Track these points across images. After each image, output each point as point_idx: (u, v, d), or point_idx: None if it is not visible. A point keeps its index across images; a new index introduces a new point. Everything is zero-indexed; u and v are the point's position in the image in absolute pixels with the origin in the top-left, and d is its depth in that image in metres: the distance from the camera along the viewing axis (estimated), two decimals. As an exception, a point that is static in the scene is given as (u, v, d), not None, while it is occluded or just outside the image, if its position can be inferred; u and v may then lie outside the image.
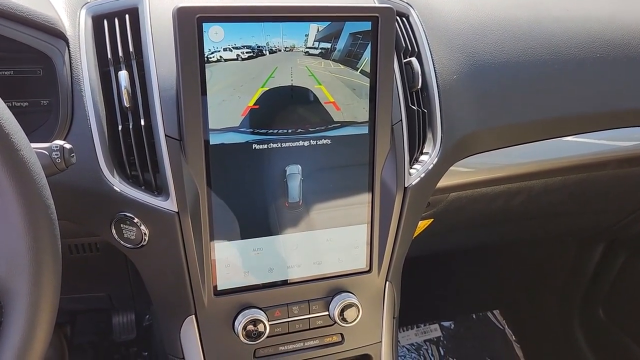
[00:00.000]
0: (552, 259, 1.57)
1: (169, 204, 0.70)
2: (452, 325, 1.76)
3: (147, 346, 1.51)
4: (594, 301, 1.51)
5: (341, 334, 0.83)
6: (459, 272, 1.76)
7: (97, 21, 0.75)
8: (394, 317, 0.87)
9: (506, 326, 1.76)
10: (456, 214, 1.05)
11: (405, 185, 0.79)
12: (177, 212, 0.70)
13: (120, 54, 0.72)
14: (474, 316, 1.80)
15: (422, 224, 1.02)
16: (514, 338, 1.73)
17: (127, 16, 0.74)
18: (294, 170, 0.75)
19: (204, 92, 0.67)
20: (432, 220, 1.03)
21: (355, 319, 0.80)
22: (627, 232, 1.37)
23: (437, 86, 0.86)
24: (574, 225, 1.32)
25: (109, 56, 0.72)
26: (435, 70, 0.87)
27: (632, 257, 1.42)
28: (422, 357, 1.66)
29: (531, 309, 1.70)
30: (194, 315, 0.76)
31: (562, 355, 1.60)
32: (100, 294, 1.03)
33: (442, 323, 1.75)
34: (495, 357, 1.70)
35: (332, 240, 0.80)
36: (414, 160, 0.83)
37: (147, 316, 1.51)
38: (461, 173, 0.95)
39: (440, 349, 1.69)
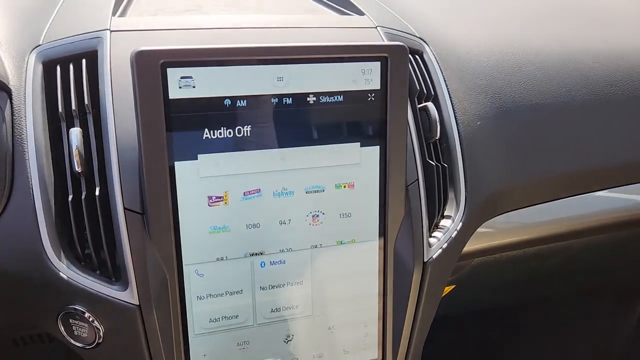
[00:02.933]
0: (585, 318, 1.40)
1: (128, 295, 0.56)
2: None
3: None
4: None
5: None
6: (471, 335, 1.59)
7: (48, 68, 0.62)
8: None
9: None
10: (481, 279, 0.90)
11: (425, 260, 0.65)
12: (139, 306, 0.56)
13: (74, 106, 0.59)
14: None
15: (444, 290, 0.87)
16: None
17: (83, 61, 0.61)
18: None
19: (171, 157, 0.54)
20: (453, 287, 0.88)
21: None
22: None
23: (459, 135, 0.72)
24: (615, 280, 1.17)
25: (60, 109, 0.59)
26: (455, 116, 0.73)
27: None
28: None
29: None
30: None
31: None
32: None
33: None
34: None
35: (336, 328, 0.65)
36: (433, 226, 0.68)
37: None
38: (487, 235, 0.80)
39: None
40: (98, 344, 0.57)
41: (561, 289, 1.15)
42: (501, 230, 0.80)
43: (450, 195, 0.70)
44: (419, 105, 0.71)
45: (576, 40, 0.87)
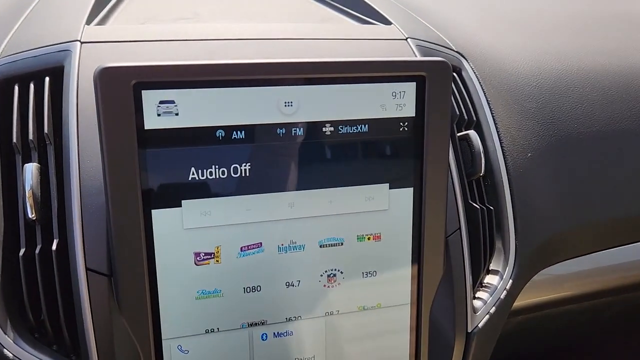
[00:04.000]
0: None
1: (87, 384, 0.43)
2: None
3: None
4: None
5: None
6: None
7: (4, 87, 0.50)
8: None
9: None
10: (524, 336, 0.76)
11: (469, 330, 0.52)
12: (103, 395, 0.43)
13: (31, 136, 0.47)
14: None
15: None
16: None
17: (46, 79, 0.49)
18: (295, 314, 0.48)
19: (147, 203, 0.42)
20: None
21: None
22: None
23: (507, 170, 0.59)
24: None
25: (14, 139, 0.47)
26: (502, 146, 0.60)
27: None
28: None
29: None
30: None
31: None
32: None
33: None
34: None
35: (355, 413, 0.52)
36: (477, 285, 0.55)
37: None
38: (538, 288, 0.66)
39: None
40: None
41: (614, 343, 1.01)
42: (555, 282, 0.66)
43: (498, 244, 0.57)
44: (459, 134, 0.58)
45: (636, 53, 0.74)
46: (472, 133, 0.57)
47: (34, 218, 0.45)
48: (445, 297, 0.51)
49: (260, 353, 0.48)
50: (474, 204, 0.55)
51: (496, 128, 0.61)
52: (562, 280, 0.68)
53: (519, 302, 0.64)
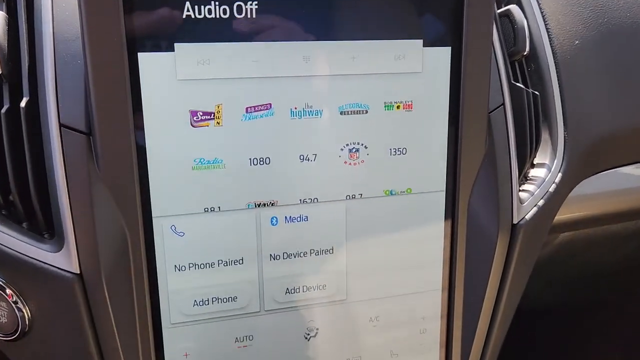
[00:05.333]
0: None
1: (63, 259, 0.36)
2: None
3: None
4: None
5: None
6: (531, 339, 1.36)
7: None
8: None
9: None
10: (563, 264, 0.68)
11: (515, 222, 0.44)
12: (80, 275, 0.36)
13: (-1, -19, 0.40)
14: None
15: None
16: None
17: None
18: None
19: (132, 45, 0.34)
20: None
21: None
22: None
23: (553, 54, 0.51)
24: None
25: (-21, -14, 0.40)
26: (547, 28, 0.52)
27: None
28: None
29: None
30: None
31: None
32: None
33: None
34: None
35: (380, 320, 0.44)
36: (522, 176, 0.48)
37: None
38: (582, 200, 0.58)
39: None
40: (23, 333, 0.38)
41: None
42: (602, 194, 0.58)
43: (544, 135, 0.49)
44: (499, 11, 0.50)
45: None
46: (514, 8, 0.49)
47: (1, 73, 0.38)
48: (487, 185, 0.43)
49: (269, 240, 0.40)
50: (518, 85, 0.47)
51: (540, 9, 0.53)
52: (604, 195, 0.60)
53: (560, 216, 0.56)
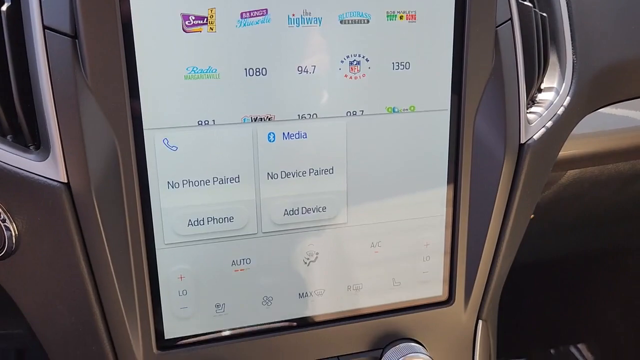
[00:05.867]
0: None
1: (50, 168, 0.34)
2: (526, 364, 1.36)
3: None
4: None
5: (398, 418, 0.46)
6: (530, 288, 1.36)
7: None
8: (488, 384, 0.50)
9: (595, 364, 1.35)
10: (569, 205, 0.67)
11: (522, 141, 0.42)
12: (67, 184, 0.34)
13: None
14: (553, 351, 1.39)
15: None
16: (608, 381, 1.33)
17: None
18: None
19: None
20: (532, 216, 0.65)
21: (425, 392, 0.43)
22: None
23: (562, -25, 0.49)
24: None
25: None
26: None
27: None
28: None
29: (631, 341, 1.29)
30: (116, 389, 0.40)
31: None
32: (16, 331, 0.68)
33: (512, 360, 1.35)
34: (584, 406, 1.29)
35: (382, 246, 0.43)
36: (529, 99, 0.46)
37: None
38: (589, 137, 0.57)
39: (511, 395, 1.30)
40: (10, 252, 0.36)
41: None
42: (611, 130, 0.57)
43: (552, 58, 0.48)
44: None
45: None
46: None
47: (-21, -23, 0.35)
48: (494, 103, 0.41)
49: (267, 157, 0.39)
50: (526, 3, 0.45)
51: None
52: (611, 132, 0.58)
53: (567, 152, 0.55)
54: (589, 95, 0.49)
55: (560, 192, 0.61)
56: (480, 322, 0.47)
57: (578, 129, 0.52)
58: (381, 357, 0.44)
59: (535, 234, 0.81)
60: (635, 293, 1.27)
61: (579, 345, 1.37)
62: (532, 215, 0.67)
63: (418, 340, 0.45)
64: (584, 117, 0.50)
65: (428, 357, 0.43)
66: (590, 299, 1.34)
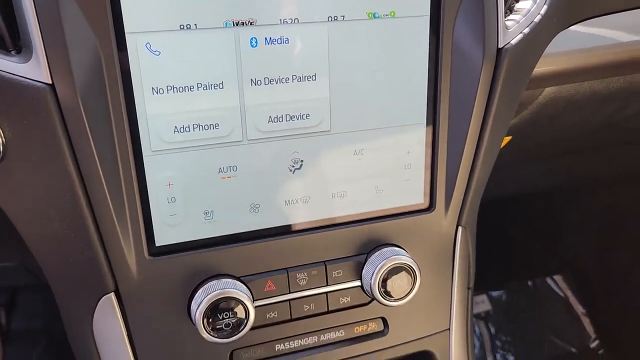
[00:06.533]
0: (634, 203, 1.21)
1: (33, 69, 0.34)
2: (504, 296, 1.41)
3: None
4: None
5: (383, 319, 0.48)
6: (510, 224, 1.40)
7: None
8: (468, 288, 0.52)
9: (570, 294, 1.41)
10: (543, 128, 0.69)
11: (500, 46, 0.43)
12: (52, 85, 0.34)
13: None
14: (530, 283, 1.45)
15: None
16: (582, 309, 1.39)
17: None
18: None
19: None
20: (510, 138, 0.67)
21: (409, 292, 0.45)
22: None
23: None
24: None
25: None
26: None
27: None
28: (466, 335, 1.32)
29: (603, 271, 1.35)
30: (113, 293, 0.41)
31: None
32: (9, 264, 0.69)
33: (491, 293, 1.40)
34: (559, 334, 1.35)
35: (365, 153, 0.44)
36: (507, 7, 0.47)
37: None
38: (567, 54, 0.58)
39: (490, 325, 1.35)
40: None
41: (623, 162, 0.95)
42: (587, 46, 0.58)
43: (529, -33, 0.48)
44: None
45: None
46: None
47: None
48: (472, 8, 0.42)
49: (250, 63, 0.39)
50: None
51: None
52: (587, 50, 0.59)
53: (545, 68, 0.56)
54: (566, 6, 0.50)
55: (537, 113, 0.63)
56: (460, 228, 0.49)
57: (555, 47, 0.53)
58: (365, 262, 0.45)
59: (512, 163, 0.83)
60: (606, 226, 1.32)
61: (555, 277, 1.43)
62: (510, 137, 0.69)
63: (401, 245, 0.47)
64: (561, 29, 0.51)
65: (411, 260, 0.45)
66: (563, 233, 1.39)
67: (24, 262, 0.65)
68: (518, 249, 1.45)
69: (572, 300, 1.41)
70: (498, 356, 1.31)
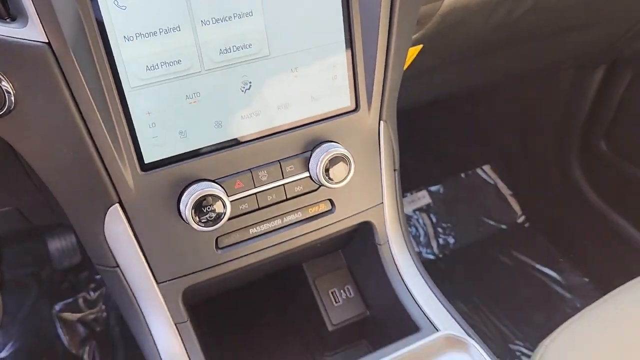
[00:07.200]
0: (547, 95, 1.38)
1: (31, 31, 0.43)
2: (441, 189, 1.59)
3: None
4: (595, 133, 1.34)
5: (330, 200, 0.62)
6: (441, 127, 1.56)
7: None
8: (394, 170, 0.66)
9: (498, 180, 1.60)
10: (449, 35, 0.81)
11: (394, -30, 0.55)
12: (49, 43, 0.44)
13: None
14: (463, 175, 1.64)
15: (411, 52, 0.78)
16: (509, 191, 1.59)
17: None
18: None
19: None
20: (421, 46, 0.79)
21: (346, 176, 0.58)
22: (633, 47, 1.17)
23: None
24: (577, 45, 1.11)
25: None
26: None
27: (638, 77, 1.24)
28: (413, 228, 1.50)
29: (524, 157, 1.53)
30: (118, 204, 0.52)
31: (562, 199, 1.47)
32: (3, 209, 0.78)
33: (429, 188, 1.58)
34: (491, 215, 1.55)
35: (300, 70, 0.56)
36: None
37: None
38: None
39: (432, 216, 1.53)
40: (10, 108, 0.46)
41: (526, 58, 1.09)
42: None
43: None
44: None
45: None
46: None
47: None
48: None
49: (198, 7, 0.49)
50: None
51: None
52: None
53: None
54: None
55: (440, 23, 0.75)
56: (382, 122, 0.62)
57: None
58: (310, 157, 0.58)
59: (432, 69, 0.96)
60: (522, 116, 1.49)
61: (484, 167, 1.62)
62: (421, 45, 0.82)
63: (336, 141, 0.59)
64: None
65: (345, 151, 0.58)
66: (488, 127, 1.56)
67: (20, 206, 0.75)
68: (451, 147, 1.61)
69: (500, 185, 1.61)
70: (440, 240, 1.50)
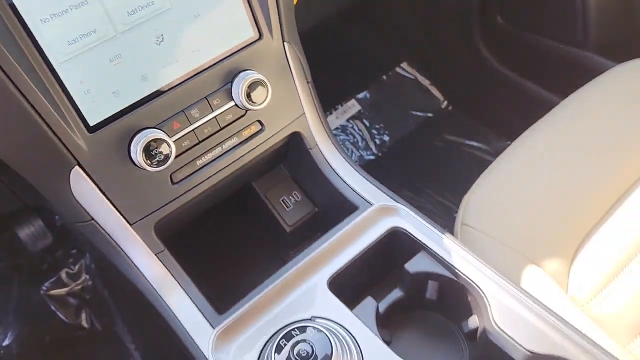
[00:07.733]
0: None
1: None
2: (368, 95, 1.70)
3: (73, 243, 1.36)
4: (492, 10, 1.46)
5: (259, 121, 0.71)
6: (352, 38, 1.65)
7: None
8: (307, 82, 0.75)
9: (417, 74, 1.72)
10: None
11: None
12: (-22, 41, 0.50)
13: None
14: (385, 77, 1.74)
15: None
16: (428, 82, 1.71)
17: None
18: None
19: None
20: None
21: (266, 97, 0.67)
22: None
23: None
24: None
25: None
26: None
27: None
28: (350, 136, 1.62)
29: (435, 46, 1.65)
30: (77, 166, 0.60)
31: (475, 77, 1.60)
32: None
33: (357, 96, 1.68)
34: (417, 106, 1.68)
35: (202, 16, 0.63)
36: None
37: (57, 216, 1.33)
38: None
39: (365, 121, 1.65)
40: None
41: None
42: None
43: None
44: None
45: None
46: None
47: None
48: None
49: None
50: None
51: None
52: None
53: None
54: None
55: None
56: (286, 44, 0.70)
57: None
58: (232, 87, 0.66)
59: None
60: (428, 6, 1.59)
61: (402, 65, 1.73)
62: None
63: (251, 68, 0.67)
64: None
65: (260, 75, 0.66)
66: (399, 26, 1.65)
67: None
68: (370, 53, 1.71)
69: (420, 77, 1.73)
70: (377, 141, 1.63)
